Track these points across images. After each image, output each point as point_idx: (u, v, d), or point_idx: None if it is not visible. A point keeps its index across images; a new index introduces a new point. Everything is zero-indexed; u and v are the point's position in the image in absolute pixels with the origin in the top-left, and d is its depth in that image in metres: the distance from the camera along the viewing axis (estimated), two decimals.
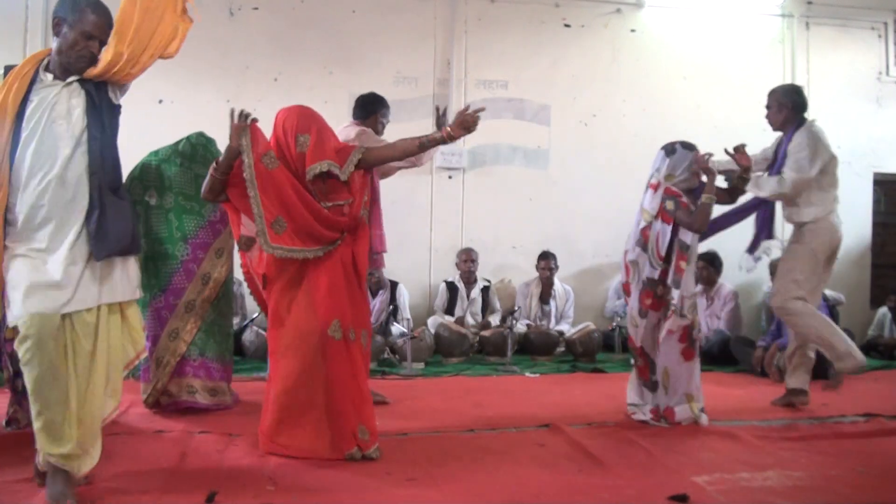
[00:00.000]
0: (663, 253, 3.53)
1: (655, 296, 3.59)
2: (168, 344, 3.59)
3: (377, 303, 5.67)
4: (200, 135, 3.81)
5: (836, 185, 3.96)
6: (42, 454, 2.36)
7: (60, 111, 2.40)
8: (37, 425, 2.33)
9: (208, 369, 3.67)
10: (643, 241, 3.59)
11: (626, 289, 3.73)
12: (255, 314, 5.45)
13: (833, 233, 3.93)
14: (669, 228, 3.51)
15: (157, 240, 3.63)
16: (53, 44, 2.45)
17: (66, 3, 2.45)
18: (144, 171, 3.67)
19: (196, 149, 3.74)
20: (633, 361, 3.72)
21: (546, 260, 6.20)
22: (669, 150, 3.63)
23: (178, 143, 3.75)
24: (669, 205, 3.50)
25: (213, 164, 2.95)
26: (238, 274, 3.48)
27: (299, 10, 6.39)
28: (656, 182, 3.60)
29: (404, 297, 6.05)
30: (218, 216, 3.71)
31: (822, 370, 5.02)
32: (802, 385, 4.05)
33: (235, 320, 5.79)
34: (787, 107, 3.97)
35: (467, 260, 6.15)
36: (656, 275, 3.56)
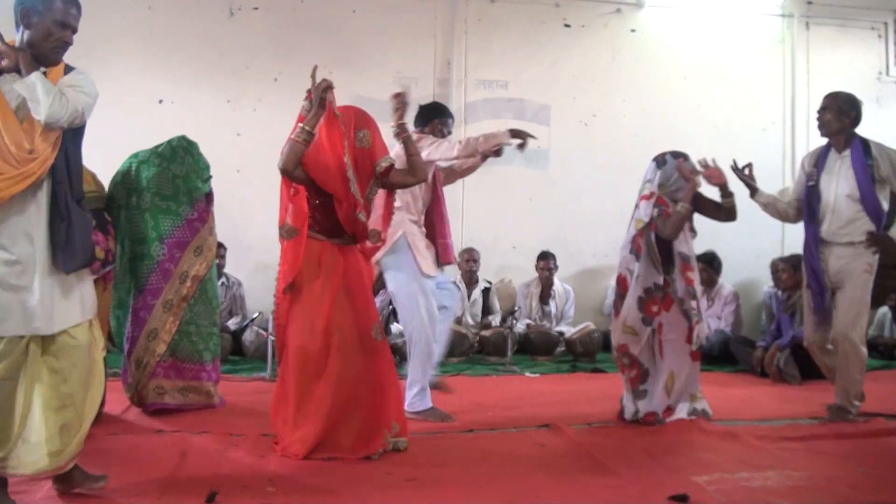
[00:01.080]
0: (660, 257, 3.57)
1: (661, 301, 3.59)
2: (147, 344, 3.59)
3: (377, 302, 5.66)
4: (182, 138, 3.85)
5: None
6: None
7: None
8: None
9: (179, 370, 3.67)
10: (636, 251, 3.59)
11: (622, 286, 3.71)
12: (256, 314, 5.45)
13: None
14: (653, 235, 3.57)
15: (134, 240, 3.64)
16: (20, 36, 2.33)
17: None
18: (126, 176, 3.69)
19: (176, 151, 3.77)
20: (625, 369, 3.66)
21: (545, 260, 6.20)
22: (660, 161, 3.67)
23: (158, 146, 3.77)
24: (655, 213, 3.54)
25: (298, 127, 2.94)
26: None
27: (299, 10, 6.39)
28: (649, 193, 3.62)
29: None
30: (196, 215, 3.72)
31: (821, 370, 5.03)
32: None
33: (235, 320, 5.81)
34: (850, 117, 3.84)
35: (469, 259, 6.14)
36: (661, 280, 3.57)
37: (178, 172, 3.70)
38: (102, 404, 3.26)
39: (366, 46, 6.44)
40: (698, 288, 3.64)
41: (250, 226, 6.01)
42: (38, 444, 2.34)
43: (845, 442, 3.32)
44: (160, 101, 6.08)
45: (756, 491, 2.60)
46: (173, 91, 6.07)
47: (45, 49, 2.33)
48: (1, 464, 2.33)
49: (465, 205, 6.55)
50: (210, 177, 3.89)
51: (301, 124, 2.95)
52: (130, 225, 3.64)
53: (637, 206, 3.66)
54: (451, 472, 2.78)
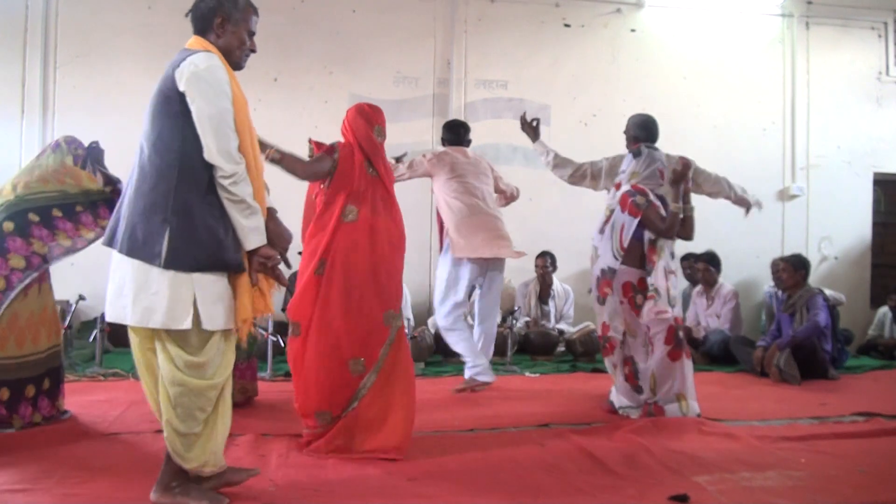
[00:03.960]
0: (626, 244, 3.66)
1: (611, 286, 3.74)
2: None
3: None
4: None
5: None
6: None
7: None
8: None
9: (239, 370, 3.68)
10: (601, 230, 3.82)
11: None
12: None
13: None
14: (636, 222, 3.64)
15: None
16: (213, 40, 2.37)
17: (228, 1, 2.38)
18: None
19: None
20: (616, 367, 3.79)
21: (542, 258, 6.21)
22: (636, 152, 3.84)
23: None
24: (640, 199, 3.65)
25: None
26: None
27: (299, 10, 6.39)
28: (618, 182, 3.87)
29: (406, 297, 6.05)
30: None
31: (821, 370, 5.03)
32: None
33: None
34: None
35: None
36: (617, 265, 3.69)
37: None
38: None
39: (366, 46, 6.44)
40: (660, 275, 3.67)
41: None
42: None
43: (845, 442, 3.31)
44: None
45: (756, 491, 2.60)
46: None
47: (238, 57, 2.42)
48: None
49: None
50: None
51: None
52: None
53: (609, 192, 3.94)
54: (451, 472, 2.77)
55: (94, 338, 4.89)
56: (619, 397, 3.78)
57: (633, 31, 6.92)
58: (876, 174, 7.23)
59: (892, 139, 7.26)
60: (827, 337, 5.07)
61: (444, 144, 4.81)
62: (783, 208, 7.08)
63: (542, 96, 6.71)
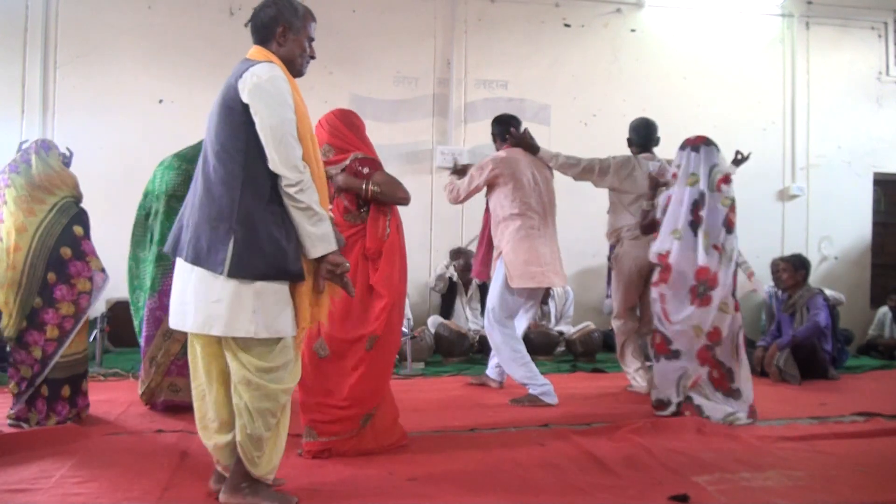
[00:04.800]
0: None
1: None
2: (162, 343, 3.60)
3: None
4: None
5: None
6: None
7: None
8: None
9: None
10: (729, 226, 3.76)
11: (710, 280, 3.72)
12: None
13: None
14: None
15: (154, 243, 3.66)
16: (274, 49, 2.39)
17: (287, 10, 2.40)
18: (153, 187, 3.74)
19: (197, 151, 3.76)
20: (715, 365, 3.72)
21: None
22: (695, 148, 3.82)
23: (182, 149, 3.82)
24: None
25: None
26: None
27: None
28: (725, 175, 3.79)
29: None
30: None
31: (821, 370, 5.03)
32: None
33: None
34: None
35: (463, 258, 6.15)
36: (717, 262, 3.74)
37: (192, 171, 3.70)
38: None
39: (366, 46, 6.44)
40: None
41: None
42: None
43: (845, 442, 3.31)
44: (160, 101, 6.08)
45: (756, 491, 2.60)
46: (173, 91, 6.06)
47: (299, 64, 2.44)
48: None
49: (465, 206, 6.54)
50: None
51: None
52: (153, 230, 3.70)
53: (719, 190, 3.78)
54: (451, 472, 2.77)
55: (94, 338, 4.90)
56: (661, 387, 3.76)
57: (633, 31, 6.92)
58: (876, 174, 7.23)
59: (892, 139, 7.26)
60: (827, 337, 5.07)
61: (495, 141, 4.57)
62: (783, 208, 7.09)
63: (542, 96, 6.71)
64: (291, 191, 2.24)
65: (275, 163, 2.23)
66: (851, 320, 6.56)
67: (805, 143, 7.10)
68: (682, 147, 3.86)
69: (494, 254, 4.32)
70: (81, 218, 3.48)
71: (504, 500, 2.51)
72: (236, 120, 2.26)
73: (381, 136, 5.56)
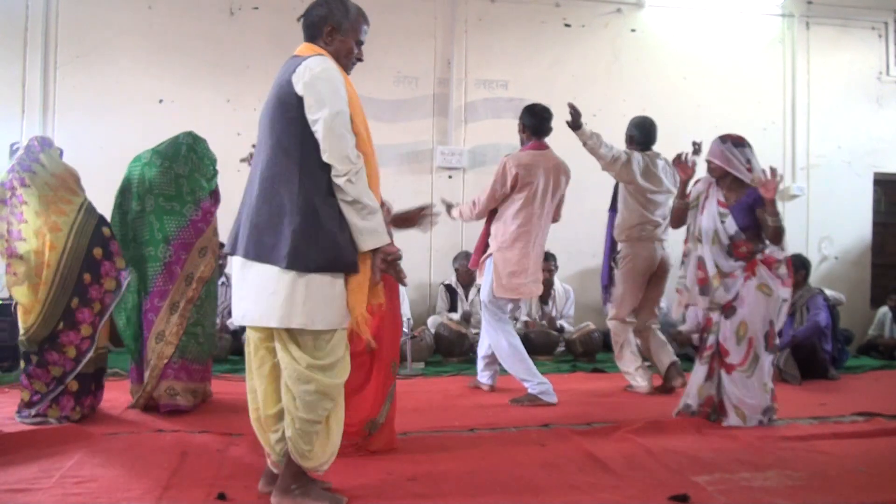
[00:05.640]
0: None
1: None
2: (154, 346, 3.59)
3: None
4: (188, 134, 3.85)
5: None
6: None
7: None
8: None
9: (189, 371, 3.67)
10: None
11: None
12: None
13: None
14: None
15: (140, 243, 3.65)
16: (322, 47, 2.41)
17: (338, 10, 2.43)
18: (131, 183, 3.72)
19: (179, 148, 3.75)
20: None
21: (546, 262, 6.18)
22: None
23: (160, 144, 3.78)
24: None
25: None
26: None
27: (299, 9, 6.22)
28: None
29: (404, 297, 6.05)
30: (200, 215, 3.72)
31: (821, 370, 5.03)
32: None
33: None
34: None
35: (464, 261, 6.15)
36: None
37: (181, 172, 3.70)
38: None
39: (366, 46, 6.34)
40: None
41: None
42: None
43: (845, 442, 3.31)
44: (160, 101, 6.08)
45: (756, 491, 2.60)
46: (173, 91, 6.07)
47: (344, 65, 2.45)
48: None
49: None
50: (216, 172, 3.91)
51: None
52: (136, 228, 3.67)
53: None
54: (451, 472, 2.77)
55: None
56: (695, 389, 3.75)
57: (633, 31, 6.92)
58: (876, 174, 7.23)
59: (892, 139, 7.26)
60: (827, 337, 5.07)
61: (524, 132, 4.58)
62: (783, 208, 7.07)
63: (543, 96, 6.66)
64: (340, 181, 2.24)
65: (327, 154, 2.24)
66: (851, 320, 6.56)
67: (805, 143, 7.10)
68: (741, 144, 3.69)
69: (488, 251, 4.33)
70: (105, 220, 3.55)
71: (504, 500, 2.51)
72: (292, 114, 2.28)
73: (382, 136, 5.55)
